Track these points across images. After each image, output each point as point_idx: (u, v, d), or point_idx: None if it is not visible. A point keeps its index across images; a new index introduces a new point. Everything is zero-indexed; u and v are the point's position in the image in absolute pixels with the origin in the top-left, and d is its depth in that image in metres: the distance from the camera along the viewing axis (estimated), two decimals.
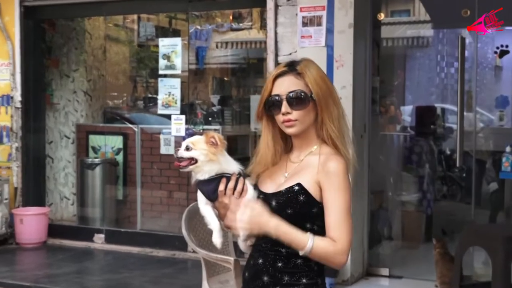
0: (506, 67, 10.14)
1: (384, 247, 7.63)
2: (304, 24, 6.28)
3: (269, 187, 2.56)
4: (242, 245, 2.62)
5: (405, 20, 11.68)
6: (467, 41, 6.87)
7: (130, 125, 9.01)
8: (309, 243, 2.38)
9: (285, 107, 2.50)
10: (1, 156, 8.39)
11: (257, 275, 2.54)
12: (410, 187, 8.35)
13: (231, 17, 11.16)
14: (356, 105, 6.46)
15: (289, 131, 2.55)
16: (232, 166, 2.60)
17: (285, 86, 2.52)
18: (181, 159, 2.58)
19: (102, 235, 8.19)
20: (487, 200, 8.26)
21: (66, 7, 8.47)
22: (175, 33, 10.95)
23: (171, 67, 7.80)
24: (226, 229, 2.61)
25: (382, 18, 7.67)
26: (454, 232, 7.56)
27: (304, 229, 2.44)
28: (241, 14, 11.18)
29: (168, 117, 7.83)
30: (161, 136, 8.06)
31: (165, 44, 7.91)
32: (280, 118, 2.53)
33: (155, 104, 9.08)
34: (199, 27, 10.68)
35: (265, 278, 2.51)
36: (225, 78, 12.30)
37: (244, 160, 2.71)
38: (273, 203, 2.49)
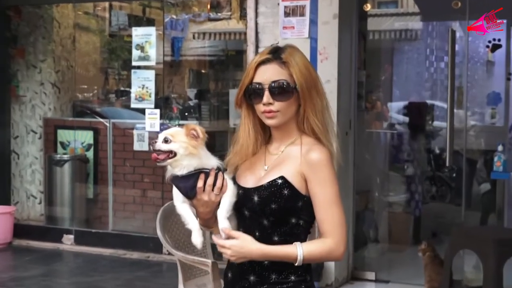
0: (499, 62, 10.18)
1: (370, 250, 7.67)
2: (286, 14, 6.27)
3: (249, 181, 2.56)
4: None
5: (393, 12, 11.74)
6: (457, 34, 6.91)
7: (101, 120, 8.95)
8: (299, 254, 2.42)
9: (267, 97, 2.50)
10: None
11: (242, 275, 2.55)
12: (398, 187, 8.40)
13: (208, 6, 11.13)
14: (341, 100, 6.48)
15: (269, 122, 2.55)
16: (211, 161, 2.56)
17: (268, 74, 2.51)
18: (158, 152, 2.51)
19: (72, 236, 8.17)
20: (478, 201, 8.35)
21: None
22: (149, 23, 10.89)
23: (145, 58, 7.79)
24: (204, 228, 2.60)
25: (368, 9, 7.72)
26: (443, 235, 7.61)
27: (289, 224, 2.47)
28: (220, 3, 11.16)
29: (142, 111, 7.82)
30: (135, 132, 8.04)
31: (139, 34, 7.89)
32: (260, 108, 2.53)
33: (128, 97, 9.03)
34: (174, 16, 10.63)
35: (252, 278, 2.53)
36: (203, 71, 12.26)
37: (222, 157, 2.67)
38: (255, 198, 2.49)
